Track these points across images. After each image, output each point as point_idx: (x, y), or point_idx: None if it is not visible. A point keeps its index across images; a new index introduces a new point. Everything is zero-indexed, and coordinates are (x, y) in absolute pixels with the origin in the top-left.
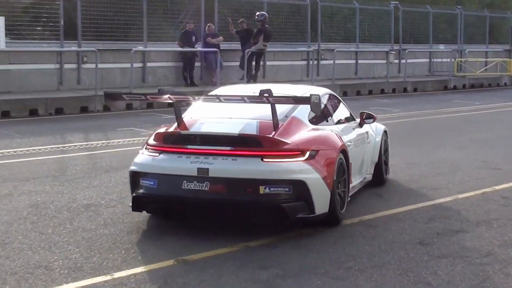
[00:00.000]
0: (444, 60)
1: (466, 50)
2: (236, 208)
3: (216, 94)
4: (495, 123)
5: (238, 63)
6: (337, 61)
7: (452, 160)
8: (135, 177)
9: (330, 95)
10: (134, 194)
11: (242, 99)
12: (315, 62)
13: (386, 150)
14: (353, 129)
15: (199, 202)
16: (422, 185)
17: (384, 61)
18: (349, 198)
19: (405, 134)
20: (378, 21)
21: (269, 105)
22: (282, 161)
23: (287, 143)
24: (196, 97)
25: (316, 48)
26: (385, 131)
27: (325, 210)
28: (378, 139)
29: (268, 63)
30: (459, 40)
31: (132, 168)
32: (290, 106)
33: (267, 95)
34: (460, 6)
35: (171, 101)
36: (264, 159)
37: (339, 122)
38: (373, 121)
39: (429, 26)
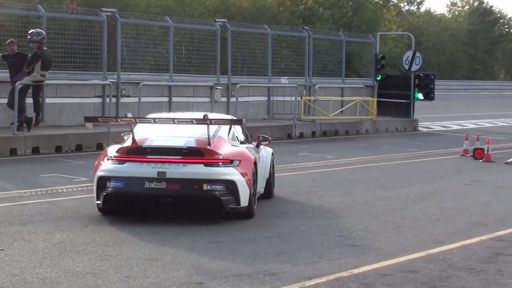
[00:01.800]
0: (288, 98)
1: (316, 86)
2: (187, 201)
3: (172, 119)
4: (353, 184)
5: (5, 100)
6: (144, 99)
7: (297, 235)
8: (102, 181)
9: (234, 120)
10: (104, 193)
11: (191, 121)
12: (114, 99)
13: (272, 168)
14: (254, 149)
15: (159, 197)
16: (258, 269)
17: (208, 99)
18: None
19: None
20: (201, 45)
21: (197, 126)
22: (218, 167)
23: (220, 154)
24: (156, 119)
25: (115, 80)
26: (272, 153)
27: (246, 204)
28: (269, 159)
29: (48, 100)
30: (307, 72)
31: (101, 174)
32: (216, 127)
33: (210, 118)
34: (308, 27)
35: (133, 122)
36: (206, 165)
37: (241, 142)
38: (268, 143)
39: (267, 53)
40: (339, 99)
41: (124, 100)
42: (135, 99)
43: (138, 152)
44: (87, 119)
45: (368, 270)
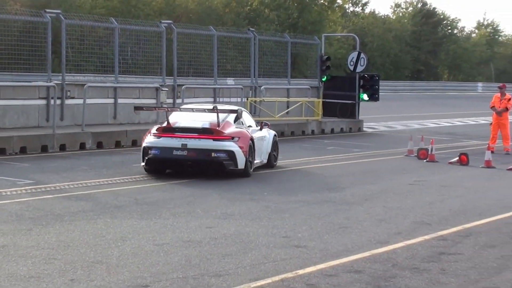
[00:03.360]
0: (234, 100)
1: (262, 87)
2: (201, 163)
3: (192, 108)
4: (298, 185)
5: None
6: (89, 101)
7: (243, 236)
8: (146, 150)
9: (242, 110)
10: (147, 158)
11: (204, 110)
12: (59, 101)
13: (275, 146)
14: (256, 131)
15: (182, 160)
16: (203, 271)
17: (154, 101)
18: (254, 166)
19: (177, 202)
20: (147, 46)
21: (212, 114)
22: (222, 142)
23: (224, 133)
24: (180, 108)
25: (60, 82)
26: (275, 135)
27: (242, 167)
28: (271, 139)
29: None
30: (253, 73)
31: (145, 144)
32: (225, 115)
33: (217, 109)
34: (254, 29)
35: (167, 110)
36: (214, 140)
37: (248, 126)
38: (267, 127)
39: (213, 54)
40: (285, 100)
41: (69, 102)
42: (80, 101)
43: (169, 130)
44: (137, 108)
45: (313, 270)
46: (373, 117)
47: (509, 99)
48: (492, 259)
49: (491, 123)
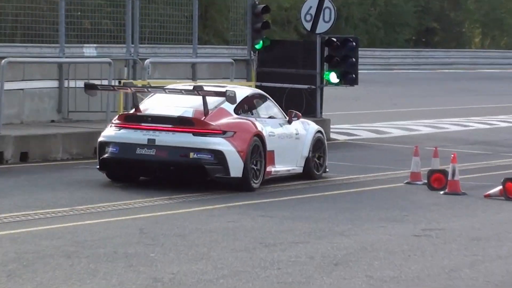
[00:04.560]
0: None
1: (147, 61)
2: (174, 168)
3: (163, 88)
4: (210, 238)
5: None
6: (10, 85)
7: None
8: (102, 146)
9: (257, 94)
10: (101, 158)
11: (180, 91)
12: None
13: (319, 148)
14: (280, 124)
15: (148, 163)
16: None
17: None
18: (268, 177)
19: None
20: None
21: (200, 97)
22: (206, 137)
23: (212, 125)
24: (150, 89)
25: None
26: (319, 131)
27: (238, 175)
28: (310, 137)
29: None
30: (131, 37)
31: (101, 138)
32: (220, 99)
33: (198, 89)
34: None
35: (131, 92)
36: (194, 135)
37: (264, 116)
38: (297, 119)
39: (59, 5)
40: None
41: None
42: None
43: (134, 119)
44: (88, 86)
45: None
46: (349, 114)
47: None
48: None
49: None
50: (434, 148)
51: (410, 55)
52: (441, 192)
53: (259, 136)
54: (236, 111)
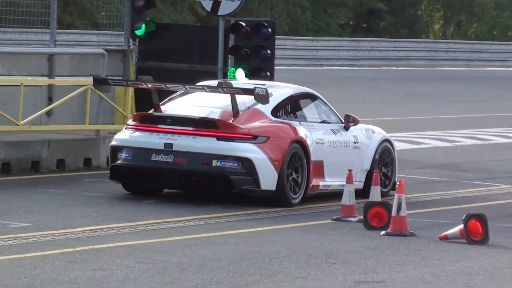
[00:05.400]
0: None
1: None
2: (195, 178)
3: (183, 84)
4: None
5: None
6: None
7: None
8: (115, 151)
9: (305, 93)
10: (112, 165)
11: (203, 88)
12: None
13: (386, 160)
14: (333, 130)
15: (165, 172)
16: None
17: None
18: (315, 191)
19: None
20: None
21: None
22: (234, 142)
23: (240, 128)
24: (168, 85)
25: None
26: (385, 140)
27: (271, 187)
28: (373, 146)
29: None
30: None
31: (113, 142)
32: (252, 99)
33: (224, 86)
34: None
35: (148, 88)
36: (218, 139)
37: (314, 120)
38: (354, 124)
39: None
40: (44, 84)
41: None
42: None
43: (150, 120)
44: (97, 81)
45: None
46: None
47: None
48: None
49: None
50: (375, 173)
51: (346, 46)
52: (382, 232)
53: (300, 142)
54: (274, 113)
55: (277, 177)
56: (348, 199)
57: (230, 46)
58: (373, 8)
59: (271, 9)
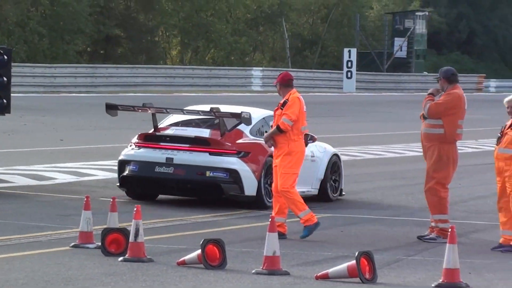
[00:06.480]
0: None
1: None
2: (191, 186)
3: (181, 108)
4: None
5: None
6: None
7: None
8: (123, 165)
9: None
10: (122, 176)
11: (198, 113)
12: None
13: (335, 171)
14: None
15: (166, 181)
16: None
17: None
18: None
19: None
20: None
21: (221, 120)
22: (222, 156)
23: (227, 145)
24: (168, 110)
25: None
26: (334, 154)
27: (253, 193)
28: (326, 159)
29: None
30: None
31: (121, 157)
32: (237, 120)
33: (215, 110)
34: None
35: (151, 112)
36: (210, 154)
37: None
38: (313, 142)
39: None
40: None
41: None
42: None
43: (153, 139)
44: (108, 106)
45: None
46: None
47: None
48: None
49: None
50: (112, 199)
51: (83, 73)
52: (120, 259)
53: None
54: (252, 132)
55: (257, 184)
56: (86, 225)
57: None
58: (110, 35)
59: (8, 36)
